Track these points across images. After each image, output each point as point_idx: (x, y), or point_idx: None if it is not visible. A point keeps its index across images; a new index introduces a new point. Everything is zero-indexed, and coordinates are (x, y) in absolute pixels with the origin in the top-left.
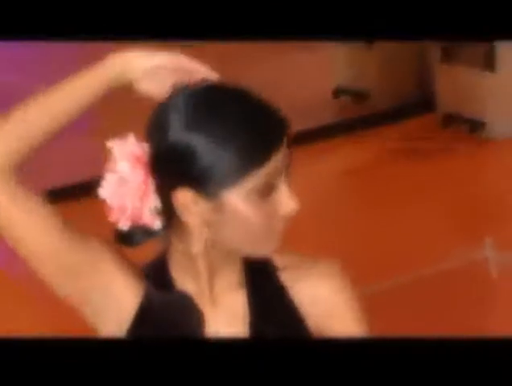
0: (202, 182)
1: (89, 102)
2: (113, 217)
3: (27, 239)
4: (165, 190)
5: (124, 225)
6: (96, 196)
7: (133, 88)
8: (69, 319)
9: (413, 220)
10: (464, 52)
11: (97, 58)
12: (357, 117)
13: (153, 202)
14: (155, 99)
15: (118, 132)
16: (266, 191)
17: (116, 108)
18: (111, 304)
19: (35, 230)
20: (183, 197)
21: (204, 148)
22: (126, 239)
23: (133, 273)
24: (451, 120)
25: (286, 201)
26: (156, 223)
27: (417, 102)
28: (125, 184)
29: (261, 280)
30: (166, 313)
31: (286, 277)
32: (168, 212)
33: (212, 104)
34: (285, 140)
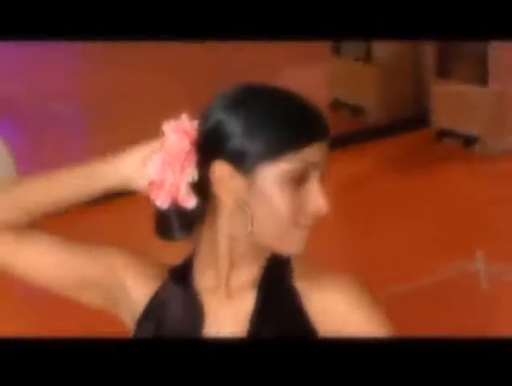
0: (239, 157)
1: (82, 199)
2: (152, 193)
3: (38, 269)
4: (204, 164)
5: (162, 202)
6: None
7: (135, 189)
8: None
9: (407, 233)
10: (458, 68)
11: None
12: (354, 131)
13: (191, 175)
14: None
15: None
16: (300, 180)
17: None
18: (125, 297)
19: (46, 260)
20: (221, 170)
21: (243, 124)
22: (164, 230)
23: (147, 273)
24: (445, 134)
25: (317, 198)
26: (191, 202)
27: (412, 117)
28: (169, 155)
29: (275, 283)
30: (171, 308)
31: (302, 285)
32: (204, 188)
33: (257, 91)
34: (326, 139)
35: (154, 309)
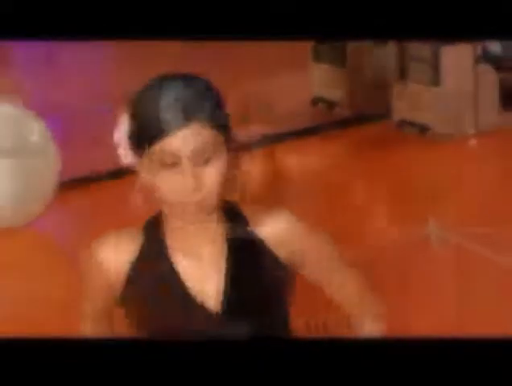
0: (131, 145)
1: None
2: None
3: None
4: None
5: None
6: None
7: None
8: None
9: (370, 204)
10: (415, 71)
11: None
12: (330, 122)
13: None
14: None
15: None
16: (171, 165)
17: None
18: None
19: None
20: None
21: (131, 123)
22: None
23: (122, 248)
24: (404, 124)
25: (184, 179)
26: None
27: (377, 110)
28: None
29: (235, 228)
30: (149, 266)
31: (253, 223)
32: None
33: (145, 90)
34: (187, 127)
35: (136, 274)
